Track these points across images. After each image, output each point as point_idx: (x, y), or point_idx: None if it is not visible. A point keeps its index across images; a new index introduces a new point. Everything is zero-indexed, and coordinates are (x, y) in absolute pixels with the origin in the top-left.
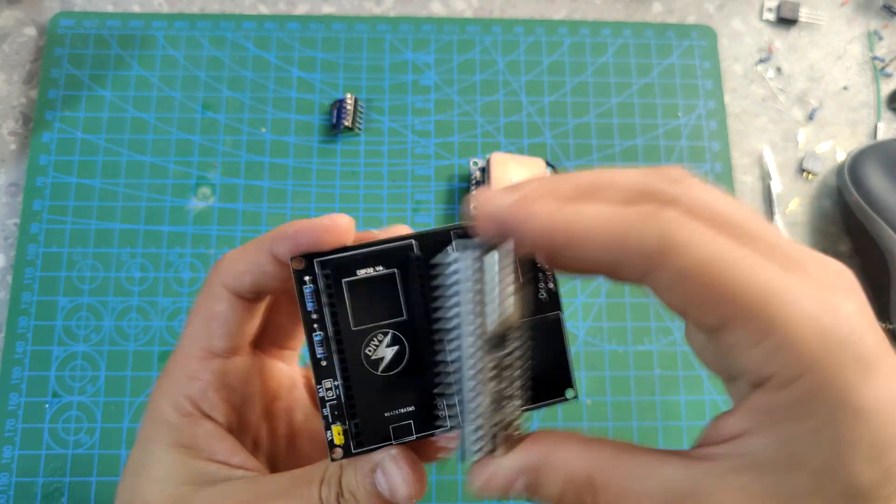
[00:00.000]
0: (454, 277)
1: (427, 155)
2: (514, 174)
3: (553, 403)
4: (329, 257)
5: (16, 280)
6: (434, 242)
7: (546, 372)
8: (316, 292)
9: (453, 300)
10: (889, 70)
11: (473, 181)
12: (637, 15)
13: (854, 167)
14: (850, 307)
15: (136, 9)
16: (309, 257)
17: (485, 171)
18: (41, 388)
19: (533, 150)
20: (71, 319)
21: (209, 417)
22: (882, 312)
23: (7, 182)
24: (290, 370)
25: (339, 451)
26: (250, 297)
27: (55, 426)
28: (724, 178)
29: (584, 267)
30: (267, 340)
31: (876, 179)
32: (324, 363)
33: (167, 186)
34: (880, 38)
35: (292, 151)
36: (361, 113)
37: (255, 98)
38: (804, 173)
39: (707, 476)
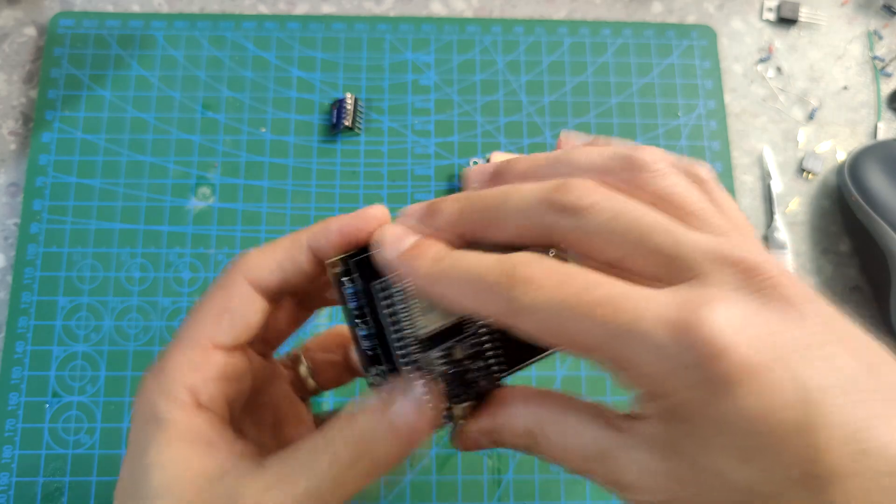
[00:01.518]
0: (382, 286)
1: (427, 155)
2: None
3: (535, 361)
4: (362, 256)
5: (16, 280)
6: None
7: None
8: (356, 293)
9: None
10: (889, 70)
11: None
12: (637, 15)
13: (854, 167)
14: (718, 319)
15: (136, 9)
16: (344, 258)
17: None
18: (41, 388)
19: (533, 150)
20: (71, 319)
21: (207, 409)
22: (882, 313)
23: (7, 182)
24: (272, 363)
25: None
26: (270, 297)
27: (55, 426)
28: (725, 177)
29: (461, 312)
30: (258, 340)
31: (876, 179)
32: (370, 353)
33: (167, 186)
34: (880, 38)
35: (292, 151)
36: (361, 113)
37: (255, 98)
38: (804, 173)
39: (616, 444)
